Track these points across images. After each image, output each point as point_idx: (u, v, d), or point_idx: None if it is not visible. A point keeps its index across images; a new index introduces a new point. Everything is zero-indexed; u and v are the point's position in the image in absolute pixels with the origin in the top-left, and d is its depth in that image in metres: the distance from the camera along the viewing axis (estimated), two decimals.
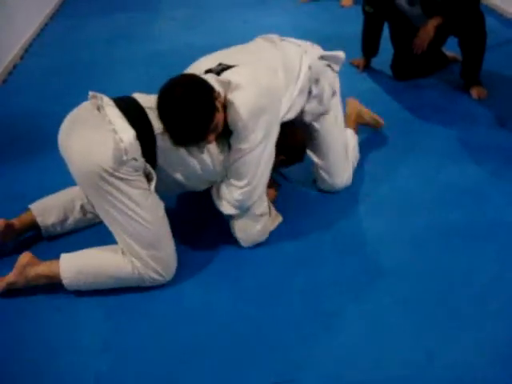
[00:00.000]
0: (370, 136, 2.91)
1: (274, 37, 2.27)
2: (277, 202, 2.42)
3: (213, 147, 1.99)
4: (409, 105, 3.26)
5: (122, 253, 1.98)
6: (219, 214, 2.16)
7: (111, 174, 1.83)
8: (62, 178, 2.20)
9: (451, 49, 3.54)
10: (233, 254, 2.20)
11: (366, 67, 3.69)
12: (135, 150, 1.84)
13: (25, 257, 2.00)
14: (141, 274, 1.97)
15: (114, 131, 1.83)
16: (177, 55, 4.00)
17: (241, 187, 2.04)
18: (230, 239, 2.22)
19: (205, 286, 2.06)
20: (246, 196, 2.05)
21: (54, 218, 2.24)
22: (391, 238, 2.25)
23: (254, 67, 2.04)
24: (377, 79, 3.58)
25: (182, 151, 1.94)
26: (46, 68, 4.01)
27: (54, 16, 5.20)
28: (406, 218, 2.36)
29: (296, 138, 2.32)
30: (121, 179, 1.85)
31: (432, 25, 3.12)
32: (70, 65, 4.03)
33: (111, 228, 1.97)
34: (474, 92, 3.28)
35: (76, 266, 1.98)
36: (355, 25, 3.66)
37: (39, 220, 2.23)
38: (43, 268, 1.99)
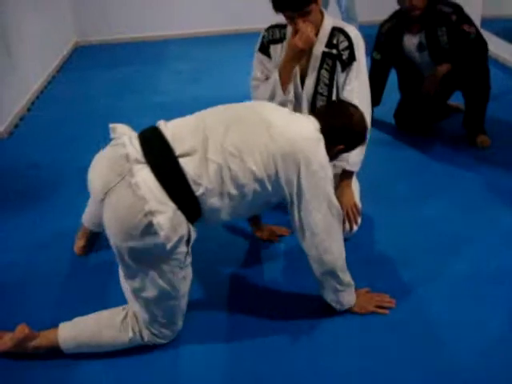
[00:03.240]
0: (372, 184, 2.89)
1: None
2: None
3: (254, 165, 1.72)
4: (412, 154, 3.27)
5: (124, 317, 1.89)
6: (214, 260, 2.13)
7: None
8: (69, 224, 2.36)
9: (453, 98, 3.57)
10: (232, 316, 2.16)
11: None
12: (179, 228, 1.66)
13: (21, 331, 1.88)
14: (143, 338, 1.89)
15: (151, 214, 1.60)
16: (182, 108, 3.97)
17: None
18: (228, 285, 2.19)
19: (202, 338, 2.00)
20: None
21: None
22: (397, 287, 2.20)
23: None
24: (380, 128, 3.60)
25: (227, 200, 1.73)
26: (52, 121, 4.06)
27: (61, 69, 5.30)
28: (408, 266, 2.31)
29: None
30: (160, 259, 1.70)
31: (440, 71, 3.15)
32: (76, 117, 4.07)
33: (131, 294, 1.83)
34: (478, 141, 3.29)
35: (75, 336, 1.89)
36: None
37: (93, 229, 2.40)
38: (41, 340, 1.89)
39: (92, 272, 2.38)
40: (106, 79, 4.93)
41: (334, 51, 2.32)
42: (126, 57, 5.62)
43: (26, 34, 4.48)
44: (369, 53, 3.57)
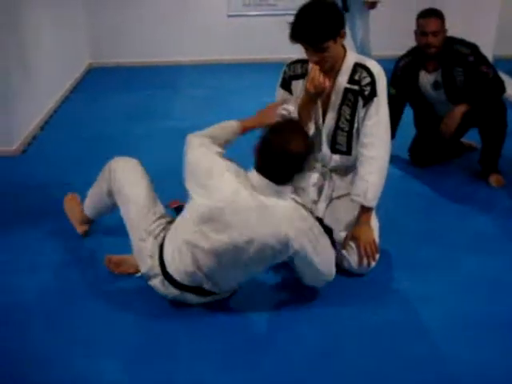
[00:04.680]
0: (386, 219, 2.86)
1: None
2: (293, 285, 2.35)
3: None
4: (426, 191, 3.26)
5: None
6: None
7: None
8: (77, 245, 2.45)
9: (467, 137, 3.57)
10: (249, 341, 2.11)
11: None
12: None
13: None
14: None
15: None
16: None
17: None
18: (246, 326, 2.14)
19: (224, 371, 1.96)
20: None
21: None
22: (409, 328, 2.16)
23: None
24: (393, 164, 3.56)
25: None
26: (65, 140, 4.06)
27: (74, 90, 5.32)
28: (423, 307, 2.28)
29: None
30: None
31: (459, 111, 3.16)
32: (89, 138, 4.07)
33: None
34: (493, 180, 3.28)
35: None
36: None
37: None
38: None
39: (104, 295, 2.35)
40: (119, 102, 4.95)
41: (356, 87, 2.32)
42: (139, 80, 5.65)
43: (43, 53, 4.52)
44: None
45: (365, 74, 2.30)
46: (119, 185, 2.33)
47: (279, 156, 1.97)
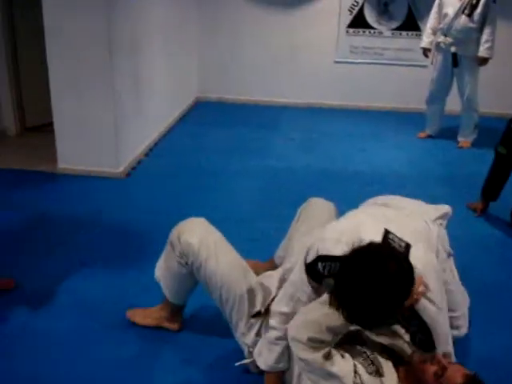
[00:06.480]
0: (482, 286, 2.71)
1: (395, 200, 2.13)
2: None
3: None
4: None
5: None
6: None
7: None
8: None
9: None
10: None
11: (484, 212, 3.57)
12: None
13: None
14: None
15: None
16: (293, 175, 4.09)
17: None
18: None
19: None
20: None
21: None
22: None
23: (423, 247, 1.77)
24: (495, 225, 3.43)
25: None
26: (166, 168, 4.23)
27: (181, 120, 5.55)
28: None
29: None
30: None
31: None
32: (188, 169, 4.23)
33: None
34: None
35: None
36: (471, 167, 3.58)
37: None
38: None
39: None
40: (220, 136, 5.09)
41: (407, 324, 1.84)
42: (241, 117, 5.80)
43: (156, 85, 4.77)
44: (491, 145, 3.49)
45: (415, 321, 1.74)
46: (202, 261, 2.10)
47: None
